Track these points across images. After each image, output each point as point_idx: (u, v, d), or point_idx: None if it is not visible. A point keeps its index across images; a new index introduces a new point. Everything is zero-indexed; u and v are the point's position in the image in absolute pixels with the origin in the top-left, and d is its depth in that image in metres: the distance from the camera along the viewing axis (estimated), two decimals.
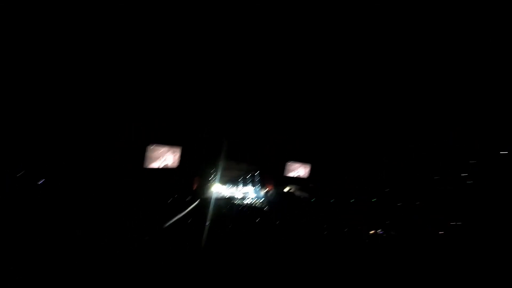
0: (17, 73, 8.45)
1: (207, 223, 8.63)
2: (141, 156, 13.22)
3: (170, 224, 8.10)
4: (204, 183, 15.40)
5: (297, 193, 17.34)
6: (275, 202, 15.49)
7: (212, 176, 15.94)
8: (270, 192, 17.54)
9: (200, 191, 14.35)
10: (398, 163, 14.63)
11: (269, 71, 11.36)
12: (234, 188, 16.64)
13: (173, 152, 14.64)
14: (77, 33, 7.90)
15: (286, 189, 17.88)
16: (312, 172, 18.57)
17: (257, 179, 16.88)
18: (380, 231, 9.05)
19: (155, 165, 13.91)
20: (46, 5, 6.55)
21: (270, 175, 18.00)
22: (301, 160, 18.49)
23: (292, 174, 18.37)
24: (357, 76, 11.10)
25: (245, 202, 14.91)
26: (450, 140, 12.07)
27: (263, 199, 16.09)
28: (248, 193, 16.43)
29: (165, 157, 14.39)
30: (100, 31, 7.93)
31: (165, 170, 14.20)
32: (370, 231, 8.99)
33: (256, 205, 14.15)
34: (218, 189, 15.97)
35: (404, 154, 14.36)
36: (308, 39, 9.05)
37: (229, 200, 14.70)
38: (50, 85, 9.45)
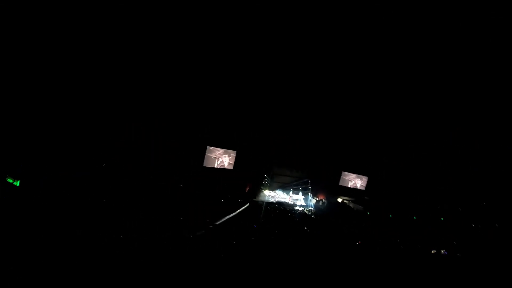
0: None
1: (255, 226, 8.88)
2: (201, 156, 14.31)
3: (221, 222, 8.54)
4: (257, 186, 15.78)
5: (351, 205, 16.53)
6: (325, 211, 15.03)
7: (265, 180, 16.25)
8: (322, 201, 17.07)
9: (252, 194, 14.76)
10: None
11: (328, 78, 11.28)
12: (286, 194, 16.65)
13: (229, 155, 15.48)
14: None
15: (339, 200, 17.20)
16: (369, 184, 17.58)
17: (309, 186, 16.62)
18: (444, 251, 8.21)
19: (212, 164, 14.90)
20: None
21: (323, 184, 17.54)
22: (357, 171, 17.66)
23: (346, 184, 17.66)
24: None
25: (296, 208, 14.79)
26: None
27: (313, 207, 15.75)
28: (299, 200, 16.26)
29: (221, 159, 15.29)
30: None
31: (221, 170, 15.09)
32: (432, 250, 8.18)
33: (306, 212, 13.93)
34: (270, 194, 16.18)
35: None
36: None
37: (280, 205, 14.77)
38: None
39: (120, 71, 10.16)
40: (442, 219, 13.15)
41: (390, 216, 13.73)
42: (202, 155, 14.57)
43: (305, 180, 16.79)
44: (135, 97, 11.25)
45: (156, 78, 11.08)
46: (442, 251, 8.24)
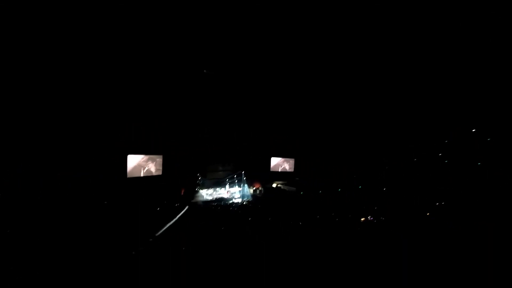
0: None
1: (199, 226, 8.49)
2: (123, 166, 12.80)
3: (162, 232, 7.87)
4: (192, 187, 15.13)
5: (285, 188, 17.49)
6: (264, 198, 15.51)
7: (199, 180, 15.71)
8: (258, 189, 17.57)
9: (189, 196, 14.08)
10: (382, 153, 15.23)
11: (250, 70, 11.30)
12: (222, 189, 16.47)
13: (155, 161, 14.30)
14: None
15: (273, 185, 17.99)
16: (296, 166, 18.84)
17: (244, 178, 16.83)
18: (370, 217, 9.27)
19: (138, 174, 13.52)
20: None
21: (256, 172, 18.03)
22: (284, 155, 18.68)
23: (277, 169, 18.55)
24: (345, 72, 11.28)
25: (235, 202, 14.79)
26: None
27: (251, 197, 16.06)
28: (236, 193, 16.33)
29: (147, 166, 14.01)
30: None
31: (149, 178, 13.84)
32: (361, 218, 9.19)
33: (246, 203, 14.07)
34: (207, 192, 15.75)
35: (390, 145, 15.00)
36: (309, 40, 9.09)
37: (219, 202, 14.52)
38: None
39: None
40: (360, 187, 14.87)
41: (320, 192, 15.00)
42: (123, 166, 13.03)
43: (239, 172, 16.95)
44: None
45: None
46: (369, 217, 9.20)
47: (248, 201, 14.83)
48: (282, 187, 17.49)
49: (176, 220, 9.19)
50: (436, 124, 12.87)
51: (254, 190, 17.46)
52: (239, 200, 15.30)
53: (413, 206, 10.20)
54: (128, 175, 13.13)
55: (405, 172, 14.11)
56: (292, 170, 19.04)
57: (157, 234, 7.59)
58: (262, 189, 17.68)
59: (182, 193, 14.25)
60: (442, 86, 10.83)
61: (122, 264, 4.70)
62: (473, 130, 11.90)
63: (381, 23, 7.69)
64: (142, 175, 13.79)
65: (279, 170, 18.84)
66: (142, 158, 13.84)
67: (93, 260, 4.48)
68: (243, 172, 16.77)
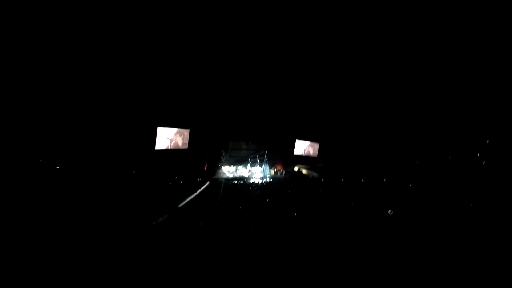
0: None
1: (218, 204, 8.79)
2: (152, 138, 13.45)
3: (183, 205, 8.27)
4: (215, 164, 15.59)
5: (307, 172, 17.42)
6: (284, 181, 15.62)
7: (222, 156, 16.09)
8: (279, 171, 17.68)
9: (211, 171, 14.56)
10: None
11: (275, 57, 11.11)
12: (244, 168, 16.78)
13: (182, 134, 14.82)
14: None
15: (295, 169, 17.97)
16: (321, 151, 18.58)
17: (266, 158, 16.98)
18: (390, 211, 9.00)
19: (164, 146, 14.16)
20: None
21: (279, 154, 18.09)
22: (310, 138, 18.40)
23: (300, 152, 18.43)
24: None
25: (255, 181, 15.08)
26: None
27: (272, 178, 16.25)
28: (257, 173, 16.59)
29: (175, 139, 14.57)
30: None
31: (175, 151, 14.46)
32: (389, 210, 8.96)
33: (266, 184, 14.29)
34: (228, 170, 16.15)
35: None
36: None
37: (239, 180, 14.88)
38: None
39: None
40: (384, 180, 14.43)
41: (342, 180, 14.78)
42: (153, 137, 13.67)
43: (262, 152, 17.09)
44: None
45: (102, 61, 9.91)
46: (389, 211, 8.93)
47: (268, 182, 15.04)
48: (304, 172, 17.44)
49: (197, 195, 9.58)
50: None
51: (275, 172, 17.61)
52: (259, 181, 15.56)
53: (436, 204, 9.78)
54: (157, 147, 13.81)
55: (435, 169, 13.47)
56: (316, 155, 18.83)
57: (179, 206, 7.99)
58: (284, 171, 17.77)
59: (205, 168, 14.74)
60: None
61: (143, 236, 5.02)
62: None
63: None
64: (169, 147, 14.43)
65: (303, 154, 18.72)
66: (171, 131, 14.42)
67: (117, 230, 4.80)
68: (265, 153, 16.90)
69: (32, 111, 9.27)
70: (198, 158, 14.89)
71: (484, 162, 11.41)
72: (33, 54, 8.48)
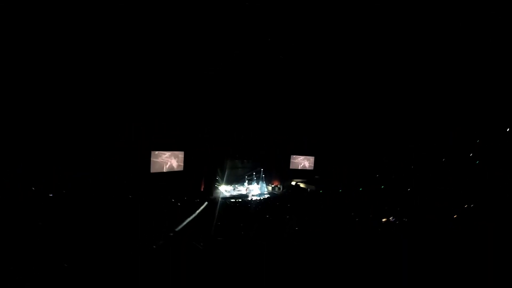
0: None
1: (218, 223, 8.66)
2: (147, 162, 13.41)
3: (181, 227, 8.11)
4: (211, 184, 15.46)
5: (304, 185, 17.39)
6: (282, 196, 15.53)
7: (218, 176, 16.01)
8: (277, 187, 17.62)
9: (208, 192, 14.41)
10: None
11: (269, 69, 11.32)
12: (241, 186, 16.68)
13: (177, 157, 14.80)
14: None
15: (293, 183, 17.94)
16: (317, 163, 18.72)
17: (263, 175, 16.95)
18: (392, 218, 8.99)
19: (161, 169, 14.07)
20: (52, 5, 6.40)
21: (275, 170, 18.14)
22: (304, 153, 18.65)
23: (296, 167, 18.54)
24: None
25: (253, 199, 14.94)
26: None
27: (270, 194, 16.14)
28: (255, 190, 16.49)
29: (169, 162, 14.53)
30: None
31: (171, 174, 14.37)
32: (383, 218, 8.95)
33: (264, 200, 14.17)
34: (225, 189, 16.02)
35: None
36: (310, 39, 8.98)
37: (237, 198, 14.73)
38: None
39: None
40: (382, 187, 14.47)
41: (340, 191, 14.77)
42: (147, 161, 13.61)
43: (258, 169, 17.09)
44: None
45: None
46: (391, 218, 8.92)
47: (266, 199, 14.93)
48: (301, 185, 17.39)
49: (195, 216, 9.43)
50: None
51: (272, 188, 17.55)
52: (257, 197, 15.44)
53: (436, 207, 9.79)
54: (152, 170, 13.71)
55: (432, 173, 13.58)
56: (312, 168, 18.93)
57: (177, 229, 7.84)
58: (281, 186, 17.71)
59: (201, 189, 14.60)
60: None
61: (143, 258, 4.90)
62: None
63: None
64: (164, 170, 14.34)
65: (299, 168, 18.81)
66: (165, 154, 14.39)
67: (114, 253, 4.68)
68: (262, 170, 16.89)
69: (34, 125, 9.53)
70: (194, 179, 14.79)
71: (480, 161, 11.40)
72: (38, 61, 8.58)
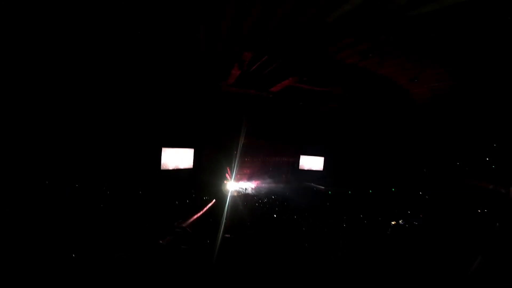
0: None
1: (225, 220, 8.70)
2: (157, 159, 13.62)
3: (189, 223, 8.19)
4: (220, 181, 15.56)
5: (313, 186, 17.29)
6: (291, 196, 15.45)
7: (228, 174, 16.09)
8: (286, 186, 17.56)
9: (217, 189, 14.49)
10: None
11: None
12: (249, 184, 16.73)
13: (187, 154, 15.00)
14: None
15: (302, 183, 17.86)
16: (325, 164, 18.60)
17: (272, 173, 16.96)
18: (402, 221, 8.85)
19: (170, 166, 14.26)
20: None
21: (284, 169, 18.11)
22: (314, 153, 18.58)
23: (305, 167, 18.46)
24: None
25: (261, 197, 14.93)
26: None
27: (278, 193, 16.08)
28: (263, 189, 16.49)
29: (179, 159, 14.72)
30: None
31: (181, 171, 14.55)
32: (392, 221, 8.82)
33: (273, 199, 14.14)
34: (233, 187, 16.08)
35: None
36: None
37: (245, 196, 14.76)
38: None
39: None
40: (393, 189, 14.25)
41: (349, 192, 14.61)
42: (158, 157, 13.81)
43: (267, 168, 17.10)
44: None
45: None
46: (400, 221, 8.80)
47: (275, 198, 14.88)
48: (310, 185, 17.30)
49: (203, 213, 9.50)
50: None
51: (282, 187, 17.47)
52: (266, 196, 15.39)
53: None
54: (162, 167, 13.91)
55: (444, 177, 13.29)
56: (321, 168, 18.81)
57: (184, 225, 7.91)
58: (290, 185, 17.63)
59: (210, 186, 14.68)
60: None
61: (149, 253, 4.96)
62: None
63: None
64: (174, 167, 14.52)
65: (308, 168, 18.73)
66: (175, 151, 14.57)
67: (124, 248, 4.75)
68: (270, 169, 16.87)
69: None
70: (203, 177, 14.93)
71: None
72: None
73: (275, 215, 9.86)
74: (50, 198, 7.44)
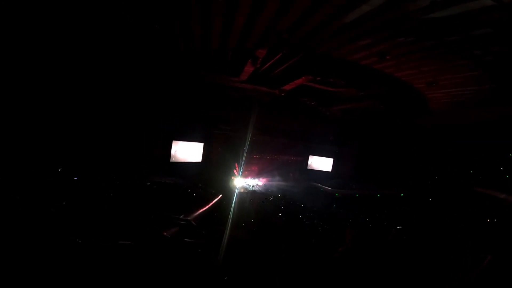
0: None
1: (231, 216, 8.74)
2: (167, 151, 13.78)
3: (194, 217, 8.25)
4: (228, 176, 15.62)
5: (320, 187, 17.15)
6: (298, 195, 15.39)
7: (235, 169, 16.13)
8: (293, 185, 17.48)
9: (224, 184, 14.56)
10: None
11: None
12: (256, 181, 16.72)
13: (196, 148, 15.13)
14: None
15: (309, 183, 17.75)
16: (334, 166, 18.46)
17: (280, 171, 16.92)
18: (406, 226, 8.70)
19: (179, 159, 14.41)
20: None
21: (292, 168, 18.04)
22: (323, 154, 18.46)
23: (314, 167, 18.36)
24: None
25: (268, 195, 14.93)
26: None
27: (286, 192, 16.04)
28: (271, 187, 16.48)
29: (189, 152, 14.86)
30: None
31: (190, 164, 14.70)
32: (397, 226, 8.66)
33: (280, 198, 14.13)
34: (241, 183, 16.11)
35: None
36: None
37: (252, 193, 14.79)
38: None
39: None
40: (401, 195, 13.99)
41: (357, 195, 14.45)
42: (168, 150, 13.98)
43: (275, 166, 17.06)
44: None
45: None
46: (404, 227, 8.65)
47: (282, 197, 14.85)
48: (317, 186, 17.18)
49: (209, 207, 9.56)
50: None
51: (290, 185, 17.39)
52: (272, 195, 15.38)
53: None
54: (171, 160, 14.07)
55: (455, 185, 12.94)
56: (329, 169, 18.65)
57: (189, 218, 7.97)
58: (297, 185, 17.53)
59: (217, 181, 14.77)
60: None
61: (152, 244, 5.02)
62: None
63: None
64: (184, 160, 14.66)
65: (316, 169, 18.60)
66: (185, 145, 14.70)
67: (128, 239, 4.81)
68: (278, 167, 16.81)
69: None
70: (211, 171, 15.02)
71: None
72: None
73: (280, 214, 9.87)
74: (61, 185, 7.64)
